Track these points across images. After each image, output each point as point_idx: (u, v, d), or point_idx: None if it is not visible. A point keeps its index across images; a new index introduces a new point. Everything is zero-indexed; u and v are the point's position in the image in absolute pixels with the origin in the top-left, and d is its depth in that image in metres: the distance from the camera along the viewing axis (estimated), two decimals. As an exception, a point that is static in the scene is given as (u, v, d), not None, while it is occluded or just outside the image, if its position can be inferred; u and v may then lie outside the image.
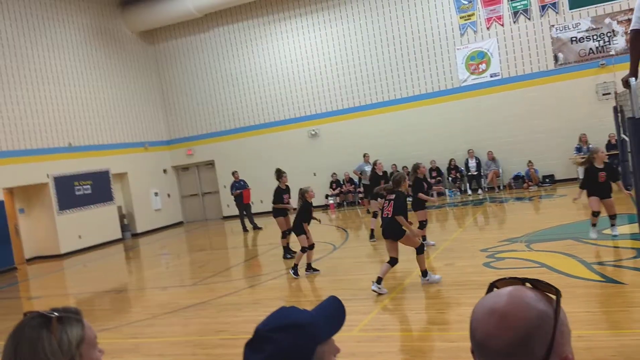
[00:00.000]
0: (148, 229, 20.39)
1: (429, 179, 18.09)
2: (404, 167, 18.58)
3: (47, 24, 17.81)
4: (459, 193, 17.91)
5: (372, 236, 11.83)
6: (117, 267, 14.76)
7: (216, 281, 10.22)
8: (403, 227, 7.61)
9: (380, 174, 12.21)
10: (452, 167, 17.99)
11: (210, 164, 22.01)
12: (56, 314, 1.45)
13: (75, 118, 18.23)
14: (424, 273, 7.74)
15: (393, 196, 7.77)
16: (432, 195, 12.61)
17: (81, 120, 18.44)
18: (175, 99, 22.22)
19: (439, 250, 9.85)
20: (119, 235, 19.15)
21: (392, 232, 7.64)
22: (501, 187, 17.41)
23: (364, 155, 17.20)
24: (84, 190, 18.01)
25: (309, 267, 9.51)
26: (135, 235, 19.85)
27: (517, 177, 17.33)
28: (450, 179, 18.04)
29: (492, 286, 1.10)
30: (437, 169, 18.22)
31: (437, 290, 7.68)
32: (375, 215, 12.11)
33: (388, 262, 7.68)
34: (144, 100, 21.50)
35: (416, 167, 10.48)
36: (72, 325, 1.46)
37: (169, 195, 21.96)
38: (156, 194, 21.24)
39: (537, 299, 1.02)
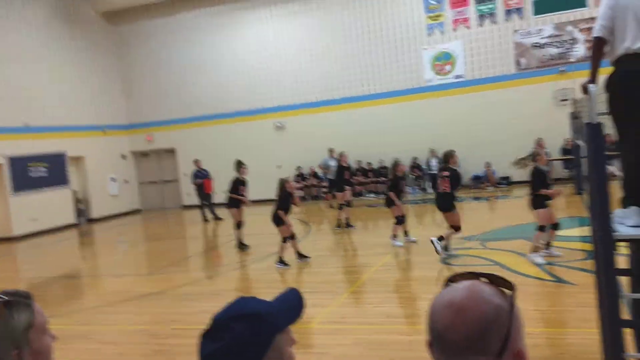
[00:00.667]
0: (104, 215, 19.95)
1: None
2: (368, 163, 18.73)
3: (6, 0, 17.16)
4: (419, 191, 18.16)
5: (338, 225, 12.13)
6: (71, 252, 14.41)
7: (173, 271, 10.09)
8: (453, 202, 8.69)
9: (346, 165, 12.41)
10: (415, 166, 18.23)
11: (171, 151, 21.66)
12: (4, 297, 1.40)
13: (33, 98, 17.62)
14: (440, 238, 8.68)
15: (447, 173, 8.68)
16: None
17: (39, 100, 17.83)
18: (137, 83, 21.75)
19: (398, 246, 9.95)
20: (73, 219, 18.67)
21: (446, 204, 8.69)
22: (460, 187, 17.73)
23: (330, 150, 17.27)
24: (39, 172, 17.48)
25: (300, 256, 9.47)
26: (91, 221, 19.40)
27: (476, 178, 17.68)
28: (412, 177, 18.28)
29: (450, 280, 1.12)
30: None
31: (396, 285, 7.79)
32: (341, 207, 12.29)
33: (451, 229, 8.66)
34: (104, 83, 20.96)
35: (395, 164, 10.53)
36: (20, 309, 1.41)
37: (126, 182, 21.51)
38: (113, 179, 20.79)
39: (494, 294, 1.04)
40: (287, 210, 9.50)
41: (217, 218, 16.61)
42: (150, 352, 5.93)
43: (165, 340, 6.24)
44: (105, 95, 20.92)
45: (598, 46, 3.85)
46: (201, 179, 16.93)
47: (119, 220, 19.70)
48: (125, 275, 10.15)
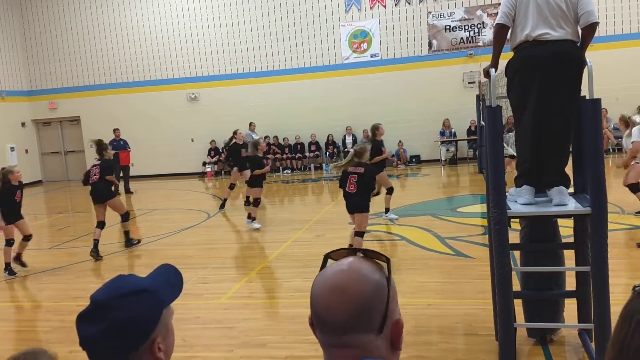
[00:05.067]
0: (1, 187, 18.63)
1: (307, 154, 18.41)
2: (285, 139, 18.70)
3: None
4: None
5: (222, 206, 12.05)
6: (-38, 226, 13.37)
7: (77, 245, 9.66)
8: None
9: (241, 143, 12.10)
10: (330, 143, 18.42)
11: (76, 120, 20.52)
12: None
13: None
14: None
15: (361, 170, 6.82)
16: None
17: None
18: (39, 45, 20.31)
19: (311, 222, 10.07)
20: (-35, 191, 17.32)
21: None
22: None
23: (250, 124, 17.10)
24: None
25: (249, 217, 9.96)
26: (-14, 193, 18.06)
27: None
28: (327, 153, 18.48)
29: (327, 258, 1.13)
30: (317, 143, 18.55)
31: (307, 260, 7.90)
32: (232, 187, 12.02)
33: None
34: (3, 45, 19.40)
35: (375, 127, 9.51)
36: None
37: (26, 151, 20.19)
38: (12, 148, 19.44)
39: (372, 270, 1.06)
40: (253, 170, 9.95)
41: (129, 192, 15.97)
42: (50, 329, 5.67)
43: (68, 317, 5.98)
44: (4, 58, 19.39)
45: (499, 32, 4.04)
46: (118, 150, 16.12)
47: (18, 192, 18.47)
48: (25, 250, 9.58)
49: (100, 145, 8.97)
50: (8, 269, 7.82)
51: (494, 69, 4.02)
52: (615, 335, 1.09)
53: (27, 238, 8.15)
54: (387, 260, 1.08)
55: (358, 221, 6.90)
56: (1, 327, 5.87)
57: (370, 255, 1.10)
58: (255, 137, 16.06)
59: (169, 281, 1.28)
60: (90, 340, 1.15)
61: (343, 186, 7.02)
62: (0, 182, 8.09)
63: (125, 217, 9.12)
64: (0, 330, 5.77)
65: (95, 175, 8.73)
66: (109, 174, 8.82)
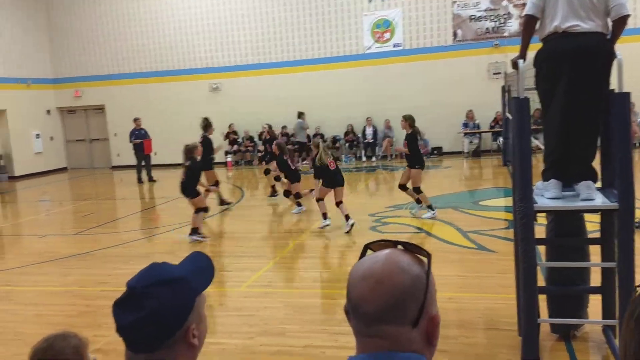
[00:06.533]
0: (27, 173, 19.00)
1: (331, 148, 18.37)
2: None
3: None
4: (354, 159, 18.35)
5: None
6: (-10, 211, 13.69)
7: (101, 232, 9.81)
8: None
9: (268, 138, 12.12)
10: (349, 133, 18.35)
11: (100, 108, 20.76)
12: None
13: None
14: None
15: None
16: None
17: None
18: (65, 34, 20.54)
19: (329, 213, 10.07)
20: (-7, 177, 17.72)
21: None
22: (393, 156, 18.05)
23: (300, 114, 17.21)
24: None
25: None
26: (13, 179, 18.45)
27: (409, 147, 18.01)
28: (347, 144, 18.42)
29: (367, 248, 1.13)
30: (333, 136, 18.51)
31: (325, 252, 7.92)
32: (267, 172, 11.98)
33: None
34: (29, 33, 19.66)
35: (409, 117, 9.04)
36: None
37: (52, 139, 20.50)
38: (38, 135, 19.76)
39: (411, 263, 1.05)
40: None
41: (152, 180, 16.16)
42: (76, 313, 5.78)
43: (93, 302, 6.09)
44: (30, 46, 19.66)
45: (528, 23, 3.96)
46: (140, 139, 16.30)
47: (44, 178, 18.84)
48: (49, 236, 9.77)
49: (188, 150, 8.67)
50: (196, 233, 8.40)
51: (522, 60, 3.95)
52: (621, 335, 1.13)
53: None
54: (428, 255, 1.07)
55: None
56: (28, 310, 6.00)
57: (411, 249, 1.09)
58: (304, 127, 17.35)
59: (201, 269, 1.29)
60: (128, 327, 1.17)
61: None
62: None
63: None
64: (27, 313, 5.89)
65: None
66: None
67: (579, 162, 3.92)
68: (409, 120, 8.96)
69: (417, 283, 1.03)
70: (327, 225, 8.69)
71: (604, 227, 4.20)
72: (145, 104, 19.62)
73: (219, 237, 9.18)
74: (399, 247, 1.10)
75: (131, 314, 1.16)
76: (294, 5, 18.58)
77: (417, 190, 9.07)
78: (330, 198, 8.69)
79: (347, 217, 8.46)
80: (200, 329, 1.24)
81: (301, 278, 6.65)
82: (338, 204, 8.55)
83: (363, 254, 1.11)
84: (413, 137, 8.99)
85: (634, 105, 14.27)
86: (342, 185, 8.63)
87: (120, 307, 1.18)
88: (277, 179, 11.46)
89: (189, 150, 8.59)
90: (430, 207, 9.01)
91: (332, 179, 8.58)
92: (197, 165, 8.66)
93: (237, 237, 8.95)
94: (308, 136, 17.52)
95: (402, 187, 9.23)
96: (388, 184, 14.29)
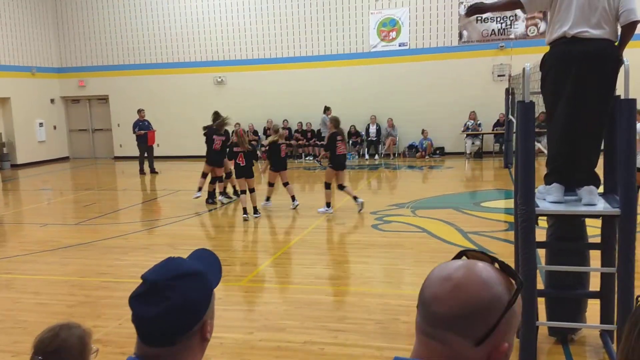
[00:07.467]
0: (30, 161, 19.03)
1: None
2: (308, 124, 18.69)
3: None
4: (357, 157, 18.36)
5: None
6: (-8, 198, 13.72)
7: (102, 222, 9.83)
8: None
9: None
10: (353, 132, 18.35)
11: (104, 99, 20.77)
12: None
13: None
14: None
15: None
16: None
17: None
18: (71, 23, 20.53)
19: (333, 209, 10.10)
20: (-4, 164, 17.75)
21: None
22: (396, 155, 18.06)
23: (327, 109, 17.13)
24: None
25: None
26: (15, 166, 18.48)
27: (411, 147, 18.04)
28: (350, 142, 18.43)
29: (462, 254, 1.08)
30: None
31: (327, 248, 7.94)
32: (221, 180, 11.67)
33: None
34: (34, 21, 19.66)
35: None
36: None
37: (55, 128, 20.53)
38: (41, 124, 19.78)
39: (497, 283, 1.00)
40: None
41: (154, 171, 16.17)
42: (75, 303, 5.81)
43: (93, 292, 6.12)
44: (35, 34, 19.67)
45: (513, 1, 4.03)
46: (143, 130, 16.28)
47: (46, 167, 18.87)
48: (50, 225, 9.80)
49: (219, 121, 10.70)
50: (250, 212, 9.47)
51: (528, 64, 3.97)
52: (623, 342, 1.12)
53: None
54: (520, 284, 1.02)
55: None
56: (27, 298, 6.03)
57: (504, 269, 1.03)
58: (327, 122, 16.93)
59: (211, 265, 1.31)
60: (149, 320, 1.17)
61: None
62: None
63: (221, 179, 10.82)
64: (26, 302, 5.92)
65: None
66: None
67: (582, 167, 3.93)
68: (333, 122, 10.03)
69: (495, 303, 0.98)
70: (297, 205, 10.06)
71: (605, 232, 4.22)
72: (149, 95, 19.64)
73: (221, 231, 9.20)
74: (496, 264, 1.04)
75: (152, 307, 1.16)
76: (302, 1, 18.56)
77: (326, 185, 9.89)
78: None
79: (293, 198, 10.13)
80: (212, 324, 1.26)
81: (302, 274, 6.68)
82: (285, 184, 10.22)
83: (457, 257, 1.08)
84: (333, 137, 9.83)
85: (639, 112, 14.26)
86: (286, 169, 10.16)
87: (140, 300, 1.19)
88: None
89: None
90: (328, 204, 9.81)
91: (279, 163, 10.03)
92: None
93: (238, 231, 8.98)
94: None
95: (340, 186, 9.78)
96: (390, 182, 14.31)
